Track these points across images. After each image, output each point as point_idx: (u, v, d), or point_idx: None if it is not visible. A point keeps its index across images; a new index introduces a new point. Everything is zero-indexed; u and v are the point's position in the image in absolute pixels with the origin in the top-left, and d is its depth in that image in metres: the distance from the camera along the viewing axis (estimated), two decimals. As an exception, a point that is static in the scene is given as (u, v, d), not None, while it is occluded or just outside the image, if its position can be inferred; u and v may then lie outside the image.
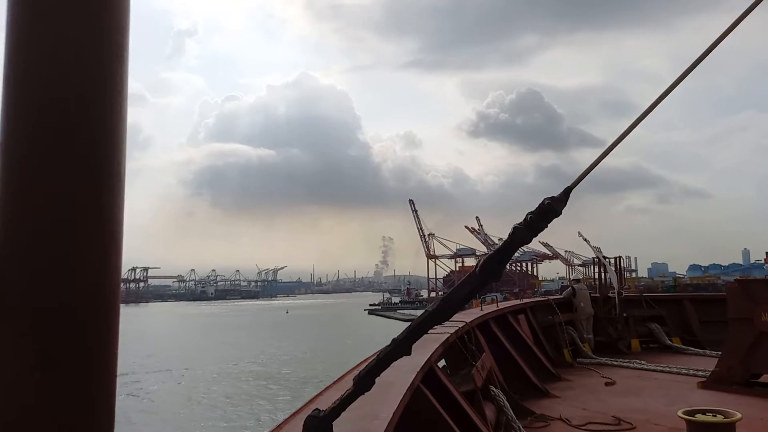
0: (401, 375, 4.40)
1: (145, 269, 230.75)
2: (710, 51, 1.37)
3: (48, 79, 0.62)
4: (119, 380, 0.71)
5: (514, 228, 1.36)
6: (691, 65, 1.37)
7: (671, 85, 1.39)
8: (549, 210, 1.31)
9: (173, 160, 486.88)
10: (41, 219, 0.61)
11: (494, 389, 7.41)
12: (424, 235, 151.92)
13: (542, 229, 1.35)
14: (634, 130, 1.41)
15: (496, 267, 1.42)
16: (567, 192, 1.32)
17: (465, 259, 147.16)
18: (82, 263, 0.62)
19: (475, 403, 6.59)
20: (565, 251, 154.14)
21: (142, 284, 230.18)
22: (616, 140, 1.39)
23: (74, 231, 0.62)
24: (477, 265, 1.45)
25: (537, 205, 1.34)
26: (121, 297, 0.69)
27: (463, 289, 1.49)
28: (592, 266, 17.10)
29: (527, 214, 1.34)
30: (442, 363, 7.21)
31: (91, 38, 0.63)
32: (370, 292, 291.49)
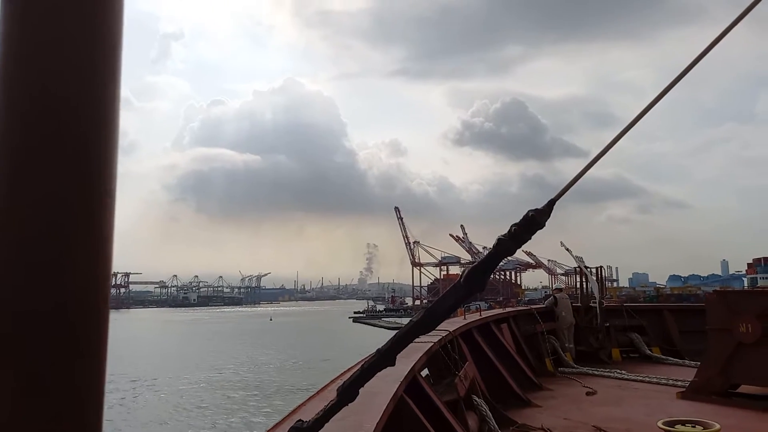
0: (385, 385, 4.38)
1: (127, 275, 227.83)
2: (695, 64, 1.39)
3: (40, 81, 0.62)
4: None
5: (499, 239, 1.37)
6: (676, 78, 1.39)
7: (655, 98, 1.40)
8: (533, 222, 1.31)
9: (158, 164, 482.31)
10: (32, 220, 0.61)
11: (477, 399, 7.42)
12: (410, 243, 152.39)
13: (526, 241, 1.35)
14: (618, 142, 1.42)
15: (480, 277, 1.42)
16: (551, 204, 1.33)
17: (450, 267, 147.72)
18: (71, 266, 0.62)
19: (458, 412, 6.59)
20: (548, 260, 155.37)
21: (123, 290, 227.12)
22: (599, 153, 1.41)
23: (65, 233, 0.62)
24: (462, 275, 1.45)
25: (521, 217, 1.35)
26: None
27: (447, 299, 1.48)
28: (574, 276, 17.20)
29: (511, 226, 1.35)
30: (425, 372, 7.21)
31: (85, 40, 0.63)
32: (354, 300, 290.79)
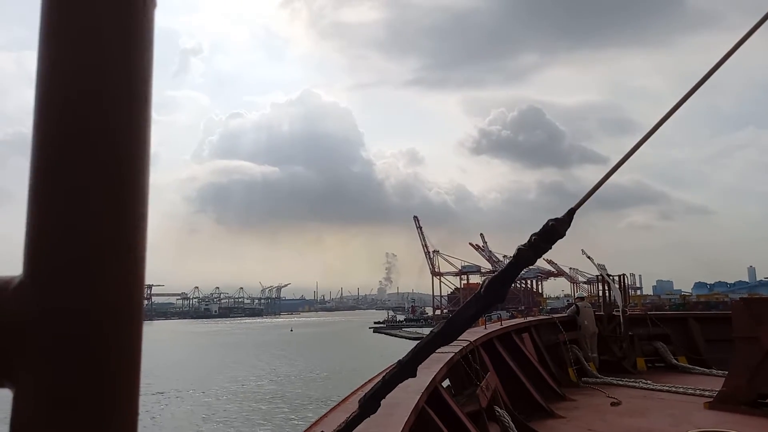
0: (406, 396, 4.37)
1: (149, 286, 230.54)
2: (714, 71, 1.37)
3: (75, 106, 0.64)
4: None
5: (518, 249, 1.36)
6: (696, 85, 1.38)
7: (675, 105, 1.39)
8: (553, 232, 1.31)
9: (177, 177, 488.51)
10: (69, 243, 0.62)
11: (499, 409, 7.35)
12: (429, 252, 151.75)
13: (546, 251, 1.35)
14: (638, 149, 1.41)
15: (500, 288, 1.42)
16: (571, 213, 1.32)
17: (470, 276, 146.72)
18: (106, 269, 0.63)
19: (480, 423, 6.53)
20: (570, 268, 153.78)
21: (146, 302, 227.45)
22: (620, 161, 1.40)
23: (101, 256, 0.63)
24: (481, 286, 1.45)
25: (540, 225, 1.34)
26: None
27: (468, 309, 1.48)
28: (596, 284, 17.00)
29: (531, 236, 1.34)
30: (446, 383, 7.16)
31: (118, 65, 0.65)
32: (374, 310, 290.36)
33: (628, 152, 1.41)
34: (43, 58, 0.65)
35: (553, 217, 1.32)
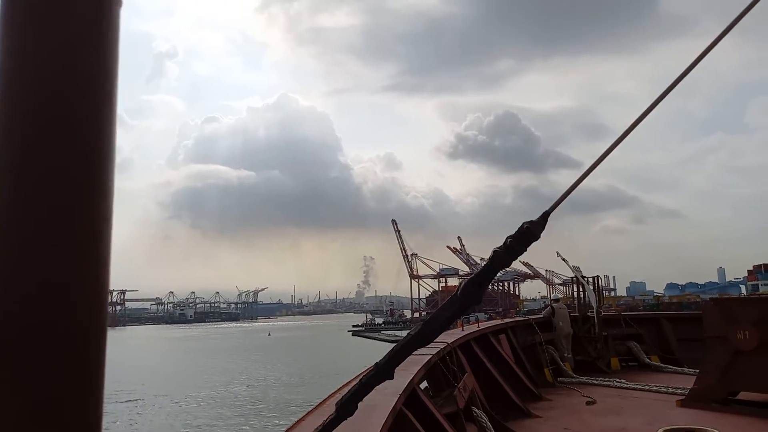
0: (383, 398, 4.37)
1: (122, 292, 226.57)
2: (685, 75, 1.41)
3: (37, 101, 0.62)
4: (106, 408, 0.70)
5: (494, 252, 1.37)
6: (667, 89, 1.41)
7: (647, 109, 1.42)
8: (528, 234, 1.32)
9: (152, 182, 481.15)
10: (31, 243, 0.61)
11: (476, 410, 7.39)
12: (407, 255, 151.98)
13: (521, 253, 1.36)
14: (611, 153, 1.43)
15: (476, 290, 1.43)
16: (545, 216, 1.34)
17: (448, 279, 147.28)
18: (69, 289, 0.62)
19: (458, 424, 6.56)
20: (546, 270, 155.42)
21: (119, 307, 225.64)
22: (592, 165, 1.42)
23: (63, 258, 0.62)
24: (458, 288, 1.46)
25: (516, 229, 1.36)
26: None
27: (444, 312, 1.49)
28: (571, 286, 17.22)
29: (507, 238, 1.36)
30: (424, 385, 7.18)
31: (83, 59, 0.64)
32: (352, 313, 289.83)
33: (601, 156, 1.43)
34: (4, 53, 0.63)
35: (528, 220, 1.34)
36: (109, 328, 0.69)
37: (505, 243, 1.35)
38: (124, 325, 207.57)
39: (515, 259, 1.35)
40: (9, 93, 0.63)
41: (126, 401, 36.70)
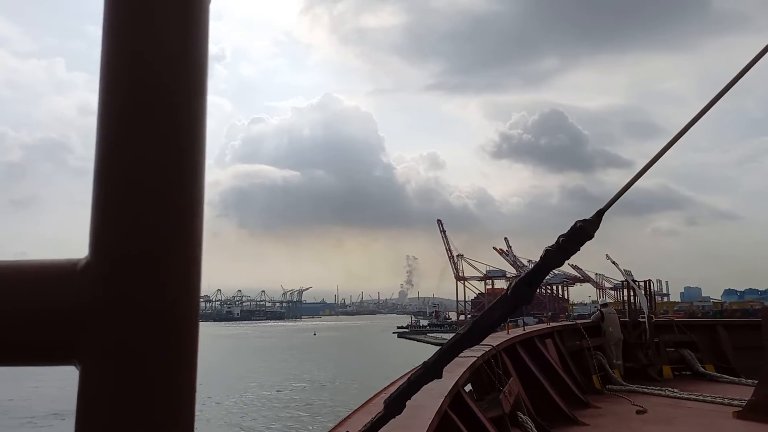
0: (429, 399, 4.36)
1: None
2: (744, 73, 1.36)
3: (140, 87, 0.67)
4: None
5: (546, 250, 1.35)
6: (726, 87, 1.37)
7: (706, 105, 1.38)
8: (581, 233, 1.30)
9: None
10: (134, 211, 0.65)
11: (522, 415, 7.29)
12: (453, 256, 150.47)
13: (574, 252, 1.34)
14: (667, 151, 1.40)
15: (527, 289, 1.41)
16: (599, 214, 1.31)
17: (495, 281, 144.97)
18: (170, 257, 0.65)
19: (503, 429, 6.48)
20: (596, 274, 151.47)
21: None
22: (649, 162, 1.39)
23: (163, 228, 0.66)
24: (508, 287, 1.44)
25: (563, 229, 1.33)
26: None
27: (494, 312, 1.48)
28: (622, 290, 16.81)
29: (559, 237, 1.34)
30: (468, 387, 7.13)
31: (180, 47, 0.69)
32: (395, 314, 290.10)
33: (657, 154, 1.40)
34: (106, 52, 0.68)
35: (581, 219, 1.31)
36: None
37: (557, 242, 1.33)
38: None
39: (568, 258, 1.33)
40: (112, 87, 0.68)
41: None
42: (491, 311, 1.48)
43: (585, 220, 1.30)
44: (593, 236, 1.31)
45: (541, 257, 1.37)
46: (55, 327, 0.65)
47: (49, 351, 0.66)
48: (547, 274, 1.43)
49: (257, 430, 29.00)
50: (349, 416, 4.11)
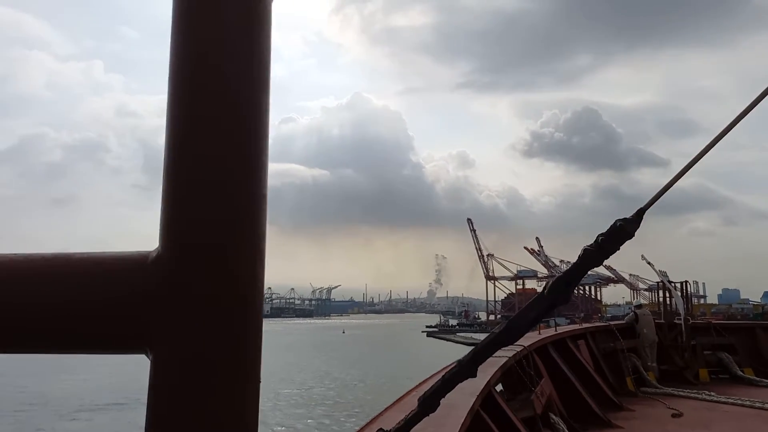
0: (461, 398, 4.35)
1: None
2: None
3: (208, 83, 0.70)
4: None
5: (585, 250, 1.33)
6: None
7: (750, 104, 1.34)
8: (621, 232, 1.28)
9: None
10: (204, 206, 0.68)
11: (554, 417, 7.21)
12: (483, 256, 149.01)
13: (613, 252, 1.32)
14: (710, 150, 1.36)
15: (564, 289, 1.40)
16: (640, 213, 1.29)
17: (526, 281, 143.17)
18: (238, 251, 0.68)
19: (535, 430, 6.42)
20: (630, 275, 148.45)
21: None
22: (691, 161, 1.36)
23: (226, 243, 0.68)
24: (545, 287, 1.43)
25: (598, 231, 1.31)
26: None
27: (529, 311, 1.46)
28: (657, 291, 16.50)
29: (598, 236, 1.31)
30: (499, 387, 7.08)
31: (245, 44, 0.73)
32: (423, 313, 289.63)
33: (699, 153, 1.37)
34: (175, 52, 0.71)
35: (621, 218, 1.29)
36: None
37: (596, 241, 1.31)
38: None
39: (607, 258, 1.30)
40: (180, 83, 0.71)
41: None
42: (527, 310, 1.47)
43: (625, 219, 1.28)
44: (633, 236, 1.28)
45: (579, 256, 1.35)
46: (128, 316, 0.68)
47: (122, 340, 0.69)
48: (586, 274, 1.41)
49: (292, 427, 29.24)
50: (381, 413, 4.12)
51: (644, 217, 1.31)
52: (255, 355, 0.68)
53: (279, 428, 28.84)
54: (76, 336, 0.70)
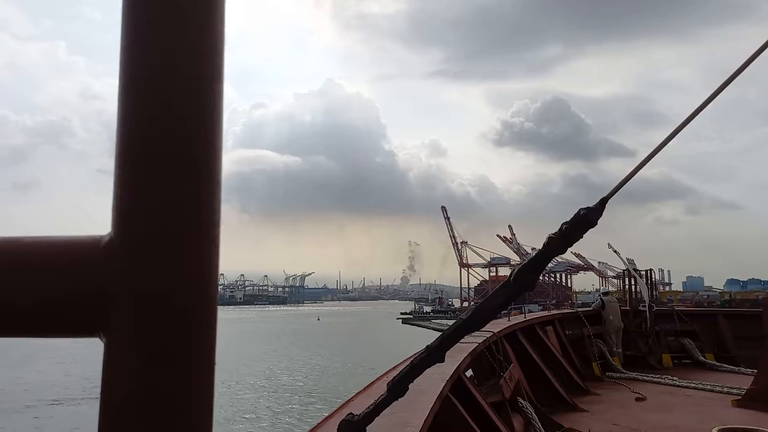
0: (431, 383, 4.40)
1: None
2: (749, 63, 1.36)
3: (159, 68, 0.68)
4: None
5: (549, 238, 1.36)
6: (732, 75, 1.36)
7: (711, 95, 1.38)
8: (584, 220, 1.30)
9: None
10: (154, 190, 0.66)
11: (522, 401, 7.34)
12: (457, 243, 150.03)
13: (577, 240, 1.34)
14: (672, 140, 1.40)
15: (529, 276, 1.42)
16: (603, 202, 1.31)
17: (499, 268, 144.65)
18: (185, 258, 0.67)
19: (503, 414, 6.54)
20: (599, 263, 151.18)
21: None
22: (653, 151, 1.39)
23: (179, 229, 0.67)
24: (511, 274, 1.46)
25: (564, 217, 1.34)
26: None
27: (496, 298, 1.49)
28: (624, 278, 16.84)
29: (562, 224, 1.34)
30: (469, 373, 7.18)
31: (196, 29, 0.70)
32: (397, 300, 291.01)
33: (661, 143, 1.40)
34: (125, 35, 0.69)
35: (585, 206, 1.32)
36: None
37: (560, 229, 1.33)
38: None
39: (571, 245, 1.33)
40: (130, 69, 0.69)
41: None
42: (494, 297, 1.49)
43: (588, 207, 1.31)
44: (596, 224, 1.31)
45: (544, 244, 1.38)
46: (79, 300, 0.67)
47: (75, 323, 0.68)
48: (550, 262, 1.44)
49: (267, 414, 29.15)
50: (351, 399, 4.15)
51: (611, 205, 1.34)
52: (209, 339, 0.68)
53: (248, 415, 28.74)
54: (27, 319, 0.69)
